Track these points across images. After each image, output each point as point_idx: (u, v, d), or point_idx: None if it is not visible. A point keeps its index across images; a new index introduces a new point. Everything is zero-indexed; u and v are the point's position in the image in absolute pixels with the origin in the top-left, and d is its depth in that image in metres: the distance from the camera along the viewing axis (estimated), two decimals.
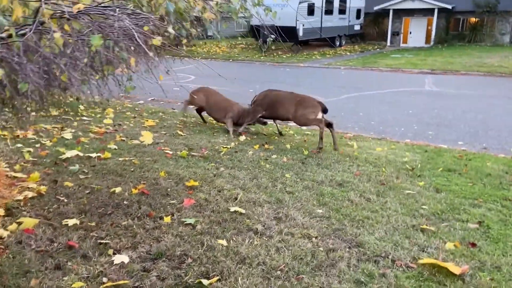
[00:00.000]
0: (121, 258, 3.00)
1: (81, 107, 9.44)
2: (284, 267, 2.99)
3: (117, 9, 1.96)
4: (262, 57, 21.73)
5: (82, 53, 2.07)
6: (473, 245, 3.37)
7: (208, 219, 3.70)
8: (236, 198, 4.18)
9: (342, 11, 26.47)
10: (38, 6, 1.81)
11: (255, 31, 23.10)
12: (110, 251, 3.12)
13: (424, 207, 4.20)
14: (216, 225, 3.60)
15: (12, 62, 1.87)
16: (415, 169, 5.47)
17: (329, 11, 24.92)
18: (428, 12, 28.12)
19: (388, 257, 3.19)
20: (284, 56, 22.19)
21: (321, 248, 3.28)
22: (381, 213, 3.99)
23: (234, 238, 3.37)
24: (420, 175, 5.27)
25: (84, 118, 8.17)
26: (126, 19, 2.18)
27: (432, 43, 28.38)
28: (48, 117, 8.17)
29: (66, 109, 8.98)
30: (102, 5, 2.06)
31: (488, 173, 5.35)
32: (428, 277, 2.94)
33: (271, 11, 3.24)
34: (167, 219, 3.64)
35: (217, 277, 2.85)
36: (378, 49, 26.97)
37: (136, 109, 9.50)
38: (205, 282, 2.78)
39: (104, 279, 2.78)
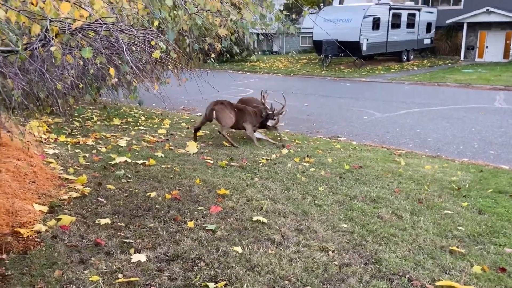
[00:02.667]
0: (139, 257, 3.17)
1: (142, 117, 10.07)
2: (292, 277, 2.99)
3: (111, 26, 2.16)
4: (323, 72, 21.59)
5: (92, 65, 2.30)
6: (503, 270, 3.13)
7: (230, 226, 3.79)
8: (261, 208, 4.24)
9: (410, 25, 25.60)
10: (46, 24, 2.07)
11: (317, 46, 23.09)
12: (132, 250, 3.31)
13: (460, 228, 3.96)
14: (235, 233, 3.67)
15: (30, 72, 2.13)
16: (462, 189, 5.16)
17: (396, 25, 24.23)
18: (506, 25, 26.29)
19: (405, 276, 3.06)
20: (346, 71, 21.88)
21: (336, 262, 3.22)
22: (409, 232, 3.82)
23: (250, 246, 3.43)
24: (466, 195, 4.96)
25: (142, 127, 8.68)
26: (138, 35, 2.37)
27: (510, 58, 26.44)
28: (111, 125, 8.80)
29: (128, 119, 9.63)
30: (98, 22, 2.27)
31: None
32: None
33: (289, 27, 3.30)
34: (191, 224, 3.78)
35: (224, 282, 2.91)
36: (449, 64, 25.63)
37: (192, 120, 9.90)
38: (211, 285, 2.86)
39: (120, 275, 2.97)
